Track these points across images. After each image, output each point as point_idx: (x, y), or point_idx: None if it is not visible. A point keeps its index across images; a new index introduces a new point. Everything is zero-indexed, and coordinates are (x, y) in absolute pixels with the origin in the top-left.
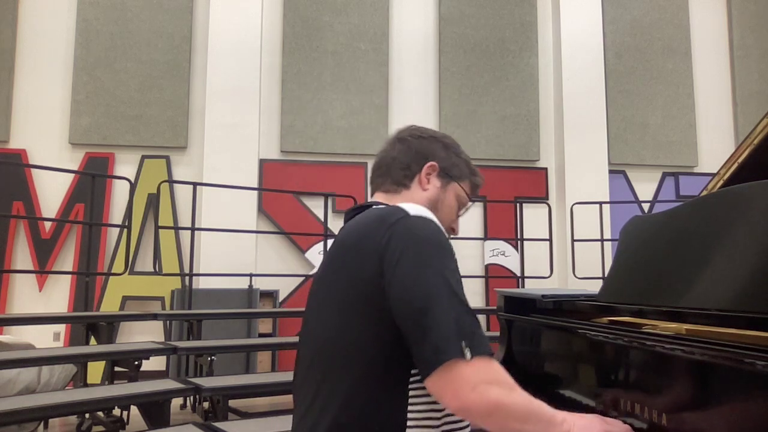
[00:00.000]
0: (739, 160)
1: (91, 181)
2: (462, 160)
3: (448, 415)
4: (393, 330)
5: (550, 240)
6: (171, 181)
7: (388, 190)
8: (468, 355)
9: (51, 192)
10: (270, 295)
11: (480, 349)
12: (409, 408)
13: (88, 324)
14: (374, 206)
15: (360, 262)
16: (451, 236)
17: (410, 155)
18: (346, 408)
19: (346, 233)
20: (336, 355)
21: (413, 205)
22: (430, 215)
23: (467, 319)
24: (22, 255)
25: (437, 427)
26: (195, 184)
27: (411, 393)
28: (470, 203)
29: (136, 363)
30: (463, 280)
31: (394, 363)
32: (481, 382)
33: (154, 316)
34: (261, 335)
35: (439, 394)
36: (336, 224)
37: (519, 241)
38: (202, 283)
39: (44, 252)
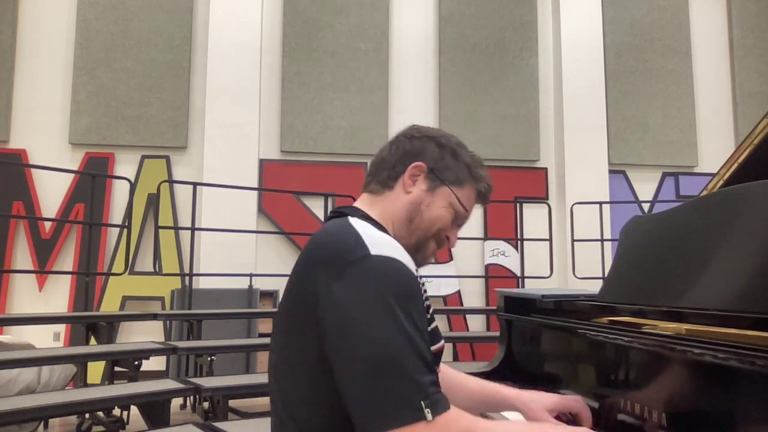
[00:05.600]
0: (739, 160)
1: (91, 181)
2: (460, 163)
3: None
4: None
5: (550, 240)
6: (171, 181)
7: (373, 191)
8: (429, 416)
9: (51, 192)
10: (270, 295)
11: (441, 405)
12: None
13: (88, 324)
14: (349, 216)
15: (302, 292)
16: (431, 262)
17: (398, 155)
18: None
19: (307, 247)
20: (283, 390)
21: (380, 237)
22: (395, 253)
23: (425, 375)
24: (22, 255)
25: None
26: (195, 184)
27: None
28: (467, 213)
29: (136, 363)
30: (463, 280)
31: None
32: None
33: (154, 316)
34: (261, 335)
35: None
36: None
37: (519, 241)
38: (202, 283)
39: (44, 252)
